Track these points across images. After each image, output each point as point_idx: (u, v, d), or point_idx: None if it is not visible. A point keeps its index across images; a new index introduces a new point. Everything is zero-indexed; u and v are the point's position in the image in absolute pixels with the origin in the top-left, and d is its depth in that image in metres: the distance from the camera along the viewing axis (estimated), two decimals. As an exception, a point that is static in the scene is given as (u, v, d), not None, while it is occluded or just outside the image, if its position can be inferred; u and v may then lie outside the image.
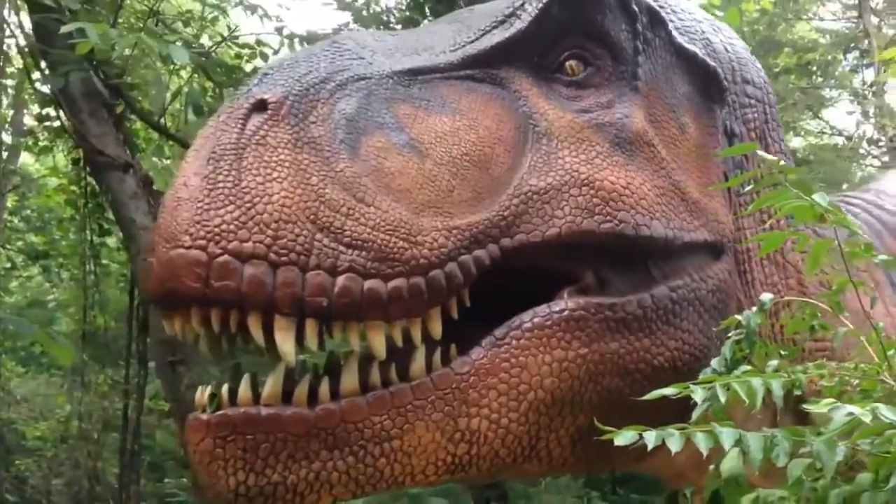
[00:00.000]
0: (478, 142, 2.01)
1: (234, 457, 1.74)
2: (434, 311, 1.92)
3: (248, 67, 5.46)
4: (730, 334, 2.04)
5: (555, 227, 2.03)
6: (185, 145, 6.89)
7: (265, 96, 1.85)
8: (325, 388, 1.83)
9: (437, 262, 1.86)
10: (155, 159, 7.78)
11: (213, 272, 1.70)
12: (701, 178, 2.38)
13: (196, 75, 5.52)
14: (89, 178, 7.38)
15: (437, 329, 1.93)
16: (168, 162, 8.11)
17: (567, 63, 2.23)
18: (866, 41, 13.45)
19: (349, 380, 1.85)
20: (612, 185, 2.12)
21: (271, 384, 1.81)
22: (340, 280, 1.76)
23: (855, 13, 13.99)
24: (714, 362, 2.05)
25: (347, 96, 1.91)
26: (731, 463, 1.79)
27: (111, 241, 8.17)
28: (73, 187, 7.88)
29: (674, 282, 2.22)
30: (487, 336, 1.98)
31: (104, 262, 8.30)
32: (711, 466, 1.85)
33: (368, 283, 1.78)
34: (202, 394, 1.87)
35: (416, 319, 1.89)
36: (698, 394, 1.72)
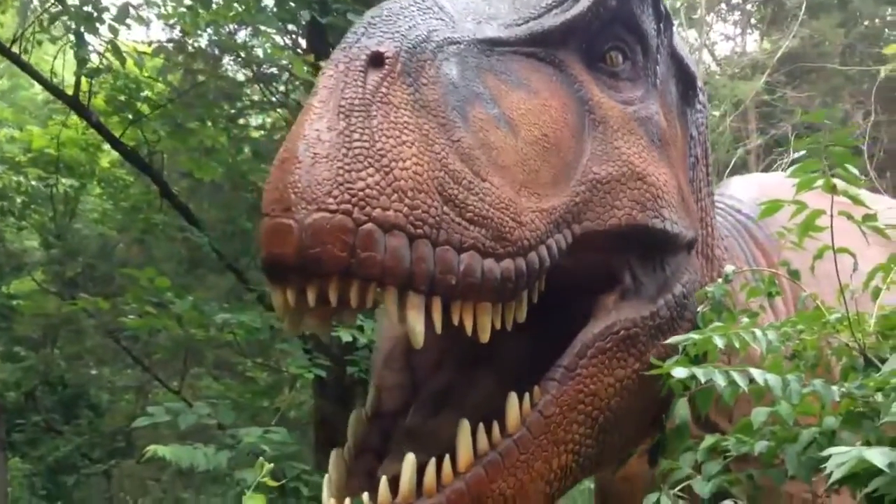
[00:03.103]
0: (552, 123, 1.96)
1: None
2: (523, 294, 1.86)
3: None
4: (698, 308, 2.30)
5: (615, 217, 2.04)
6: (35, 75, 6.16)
7: (380, 49, 1.70)
8: (447, 469, 1.78)
9: (534, 245, 1.82)
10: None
11: (358, 241, 1.55)
12: (684, 178, 2.47)
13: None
14: None
15: (522, 314, 1.88)
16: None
17: (609, 53, 2.21)
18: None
19: (466, 450, 1.80)
20: (656, 181, 2.15)
21: (408, 480, 1.74)
22: (465, 258, 1.68)
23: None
24: (692, 334, 2.22)
25: (446, 60, 1.80)
26: (682, 410, 2.10)
27: None
28: None
29: (682, 278, 2.30)
30: (555, 368, 1.98)
31: None
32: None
33: (486, 263, 1.70)
34: None
35: (510, 303, 1.83)
36: (717, 341, 1.98)
